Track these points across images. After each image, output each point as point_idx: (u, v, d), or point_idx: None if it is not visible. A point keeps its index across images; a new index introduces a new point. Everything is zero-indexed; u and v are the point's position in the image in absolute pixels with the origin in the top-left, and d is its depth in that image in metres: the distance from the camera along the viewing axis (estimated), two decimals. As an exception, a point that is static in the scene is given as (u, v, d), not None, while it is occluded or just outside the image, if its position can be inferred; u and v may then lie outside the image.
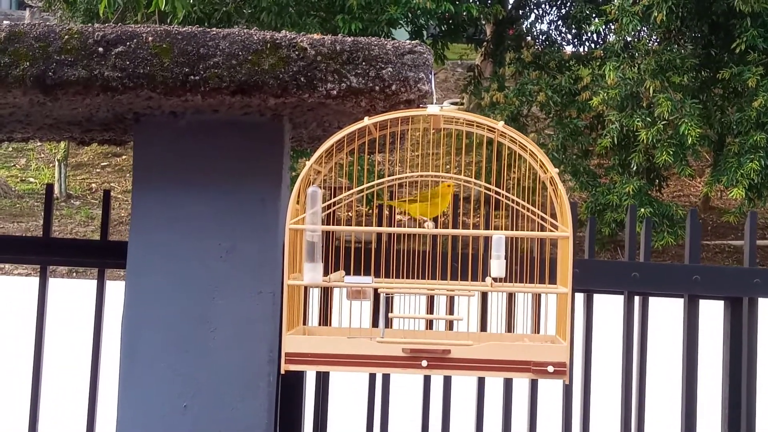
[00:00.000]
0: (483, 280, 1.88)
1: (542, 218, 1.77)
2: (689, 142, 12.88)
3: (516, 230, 1.79)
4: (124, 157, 19.10)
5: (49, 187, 2.70)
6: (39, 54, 1.84)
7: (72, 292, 9.81)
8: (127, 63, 1.84)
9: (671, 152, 13.18)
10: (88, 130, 2.32)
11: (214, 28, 1.90)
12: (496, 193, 1.81)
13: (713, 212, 17.17)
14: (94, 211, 16.68)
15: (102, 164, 19.26)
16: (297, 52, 1.87)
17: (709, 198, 16.76)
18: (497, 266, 1.75)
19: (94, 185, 18.30)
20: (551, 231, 1.77)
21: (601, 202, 14.30)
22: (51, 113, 2.10)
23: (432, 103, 1.90)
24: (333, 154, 1.88)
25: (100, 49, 1.84)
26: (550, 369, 1.71)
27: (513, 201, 1.80)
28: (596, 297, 2.58)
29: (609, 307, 3.17)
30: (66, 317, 7.59)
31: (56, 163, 17.62)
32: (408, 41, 1.96)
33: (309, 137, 2.43)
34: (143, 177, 2.12)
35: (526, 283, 1.91)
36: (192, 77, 1.85)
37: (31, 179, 18.31)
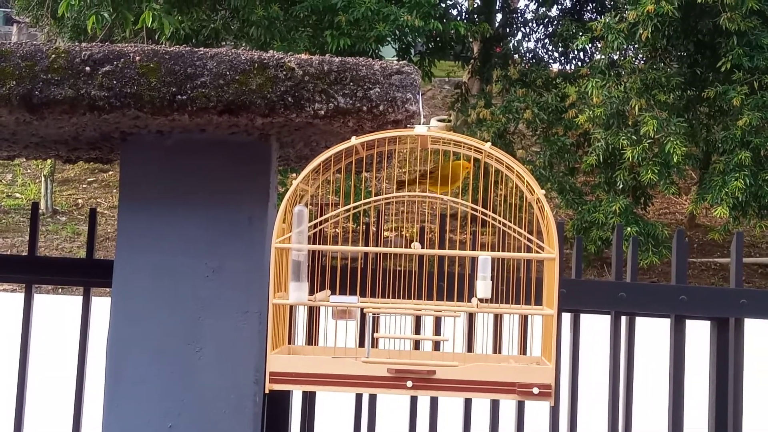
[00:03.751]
0: (469, 300, 1.88)
1: (528, 239, 1.77)
2: (675, 160, 12.92)
3: (504, 248, 1.80)
4: (110, 173, 19.05)
5: (35, 205, 2.69)
6: (25, 73, 1.83)
7: (58, 309, 9.76)
8: (114, 82, 1.84)
9: (656, 171, 13.22)
10: (75, 148, 2.31)
11: (201, 48, 1.90)
12: (483, 213, 1.81)
13: (699, 230, 17.21)
14: (81, 227, 16.61)
15: (89, 180, 19.21)
16: (284, 72, 1.87)
17: (694, 216, 16.80)
18: (483, 287, 1.75)
19: (80, 201, 18.24)
20: (538, 252, 1.77)
21: (587, 219, 14.32)
22: (37, 132, 2.09)
23: (419, 123, 1.90)
24: (320, 173, 1.88)
25: (87, 68, 1.84)
26: (536, 391, 1.70)
27: (499, 222, 1.80)
28: (583, 317, 2.58)
29: (596, 327, 3.17)
30: (52, 334, 7.55)
31: (42, 179, 17.56)
32: (395, 61, 1.96)
33: (296, 156, 2.43)
34: (130, 196, 2.12)
35: (512, 303, 1.91)
36: (179, 97, 1.85)
37: (18, 195, 18.24)
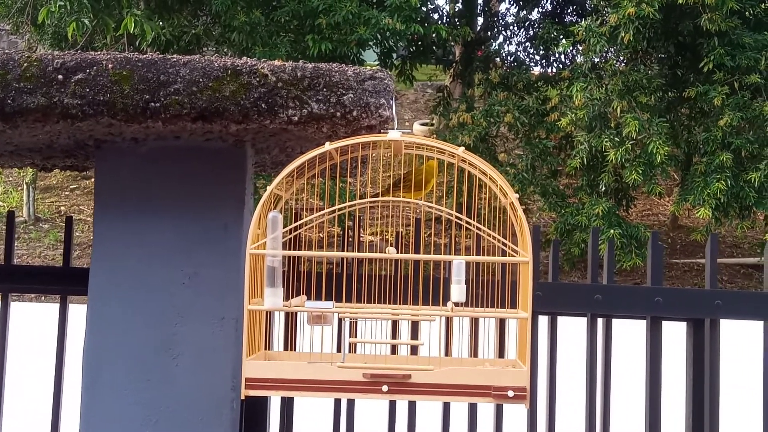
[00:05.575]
0: (446, 304, 1.89)
1: (503, 243, 1.78)
2: (658, 160, 12.96)
3: (482, 251, 1.80)
4: (93, 179, 18.95)
5: (11, 214, 2.68)
6: (-3, 81, 1.83)
7: (39, 316, 9.71)
8: (87, 90, 1.84)
9: (640, 171, 13.25)
10: (50, 156, 2.31)
11: (174, 55, 1.90)
12: (458, 218, 1.82)
13: (682, 231, 17.26)
14: (63, 235, 16.56)
15: (71, 187, 19.13)
16: (258, 79, 1.88)
17: (677, 217, 16.86)
18: (457, 291, 1.75)
19: (63, 208, 18.16)
20: (512, 256, 1.78)
21: (570, 222, 14.33)
22: (11, 140, 2.09)
23: (393, 128, 1.90)
24: (294, 178, 1.89)
25: (60, 76, 1.84)
26: (511, 394, 1.71)
27: (475, 226, 1.81)
28: (560, 319, 2.59)
29: (573, 329, 3.18)
30: (33, 341, 7.53)
31: (24, 186, 17.47)
32: (369, 68, 1.97)
33: (272, 162, 2.43)
34: (105, 203, 2.12)
35: (487, 307, 1.92)
36: (152, 104, 1.85)
37: (-1, 202, 18.16)
